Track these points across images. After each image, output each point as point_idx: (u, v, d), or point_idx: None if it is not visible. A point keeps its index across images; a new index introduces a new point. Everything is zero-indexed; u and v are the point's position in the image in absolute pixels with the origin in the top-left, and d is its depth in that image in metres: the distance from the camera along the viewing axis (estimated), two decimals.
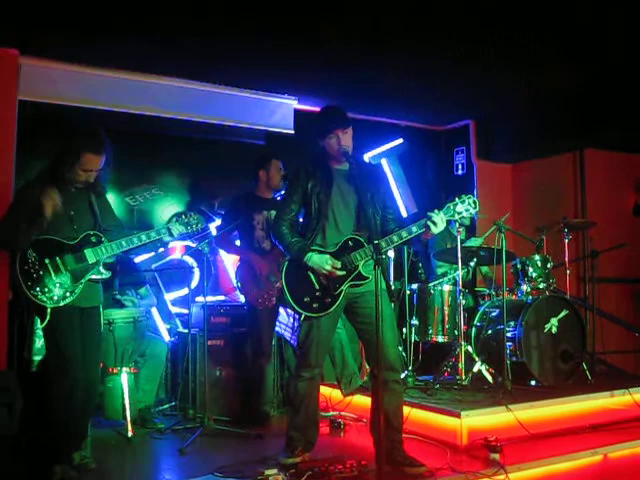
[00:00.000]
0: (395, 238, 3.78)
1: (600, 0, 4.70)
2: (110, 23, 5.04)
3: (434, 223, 3.68)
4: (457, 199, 3.76)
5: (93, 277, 3.90)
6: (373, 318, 3.64)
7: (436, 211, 3.72)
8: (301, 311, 3.89)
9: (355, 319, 4.01)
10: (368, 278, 3.82)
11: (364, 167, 4.23)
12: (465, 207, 3.75)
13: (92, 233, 3.91)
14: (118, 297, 5.39)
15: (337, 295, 3.83)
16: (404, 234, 3.77)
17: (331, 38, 5.36)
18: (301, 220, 4.09)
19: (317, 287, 3.85)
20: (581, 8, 4.82)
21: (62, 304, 3.76)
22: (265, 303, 5.29)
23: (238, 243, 5.60)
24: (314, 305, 3.84)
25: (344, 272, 3.82)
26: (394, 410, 3.87)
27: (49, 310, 3.74)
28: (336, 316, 3.98)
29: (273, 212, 5.26)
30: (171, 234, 4.02)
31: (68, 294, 3.79)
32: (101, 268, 3.91)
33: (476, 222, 7.37)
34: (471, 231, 7.26)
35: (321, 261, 3.81)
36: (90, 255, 3.86)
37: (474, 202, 3.76)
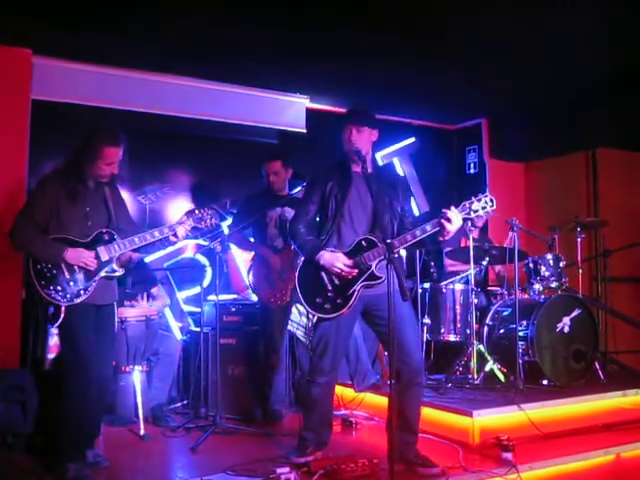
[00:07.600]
0: (409, 237, 3.72)
1: None
2: (124, 23, 5.06)
3: (449, 220, 3.62)
4: (473, 197, 3.71)
5: (107, 274, 3.92)
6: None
7: (452, 208, 3.68)
8: (313, 312, 3.88)
9: (373, 321, 3.98)
10: (382, 278, 3.75)
11: (385, 171, 4.24)
12: (482, 205, 3.69)
13: (105, 231, 3.93)
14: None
15: (350, 296, 3.78)
16: (418, 232, 3.71)
17: (344, 36, 5.35)
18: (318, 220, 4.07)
19: (329, 287, 3.82)
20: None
21: (76, 302, 3.79)
22: (278, 301, 5.29)
23: (252, 240, 5.61)
24: (326, 306, 3.81)
25: (356, 271, 3.79)
26: (413, 412, 3.86)
27: (63, 308, 3.77)
28: (352, 319, 3.94)
29: (287, 209, 5.27)
30: (178, 233, 4.01)
31: (82, 292, 3.81)
32: (114, 265, 3.94)
33: (488, 221, 7.33)
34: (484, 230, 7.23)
35: (332, 259, 3.79)
36: (103, 253, 3.88)
37: (491, 200, 3.70)
